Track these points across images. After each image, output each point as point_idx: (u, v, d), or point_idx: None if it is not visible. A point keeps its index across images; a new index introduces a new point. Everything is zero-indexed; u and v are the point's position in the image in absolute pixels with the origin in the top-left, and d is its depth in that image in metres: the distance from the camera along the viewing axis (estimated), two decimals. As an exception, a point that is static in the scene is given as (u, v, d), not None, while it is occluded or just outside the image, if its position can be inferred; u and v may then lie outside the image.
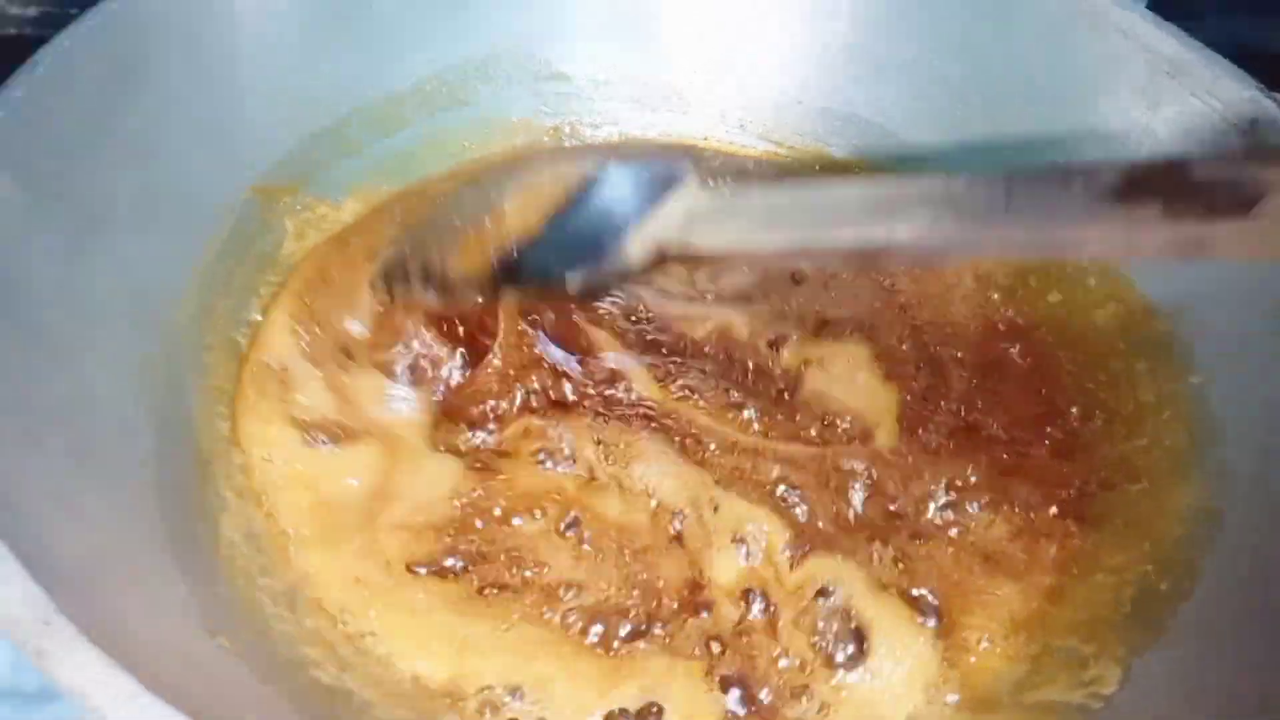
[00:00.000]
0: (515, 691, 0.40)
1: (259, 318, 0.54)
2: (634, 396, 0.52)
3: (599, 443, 0.49)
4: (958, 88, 0.64)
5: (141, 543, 0.38)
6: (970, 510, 0.48)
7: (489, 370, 0.52)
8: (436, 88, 0.64)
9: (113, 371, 0.44)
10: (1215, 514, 0.44)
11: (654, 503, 0.47)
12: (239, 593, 0.40)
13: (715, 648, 0.42)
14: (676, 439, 0.50)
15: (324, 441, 0.48)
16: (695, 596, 0.43)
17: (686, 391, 0.52)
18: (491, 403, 0.51)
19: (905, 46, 0.65)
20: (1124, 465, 0.50)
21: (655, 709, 0.40)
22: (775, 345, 0.55)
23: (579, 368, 0.53)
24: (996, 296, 0.60)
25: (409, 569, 0.43)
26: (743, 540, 0.46)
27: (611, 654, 0.41)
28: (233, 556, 0.42)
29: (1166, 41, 0.55)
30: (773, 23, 0.67)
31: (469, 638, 0.41)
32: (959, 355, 0.56)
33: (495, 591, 0.43)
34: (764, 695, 0.41)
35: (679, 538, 0.46)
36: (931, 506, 0.48)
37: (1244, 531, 0.42)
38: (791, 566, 0.44)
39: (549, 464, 0.48)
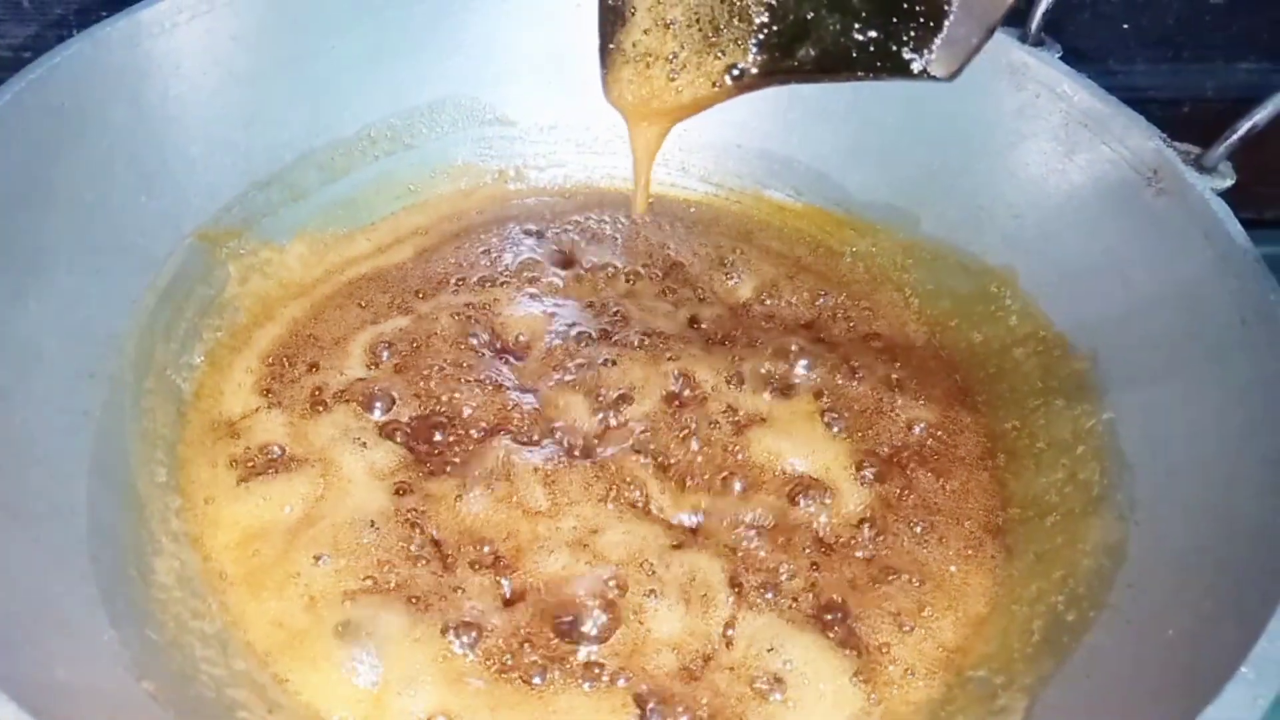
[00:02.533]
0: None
1: (201, 360, 0.55)
2: (582, 441, 0.53)
3: (545, 483, 0.50)
4: (889, 133, 0.66)
5: (71, 589, 0.39)
6: (895, 544, 0.50)
7: (442, 406, 0.54)
8: (381, 133, 0.66)
9: (48, 418, 0.45)
10: (1120, 547, 0.45)
11: (590, 550, 0.48)
12: (169, 636, 0.41)
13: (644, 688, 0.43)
14: (621, 490, 0.51)
15: (264, 477, 0.49)
16: (623, 639, 0.45)
17: (634, 443, 0.53)
18: (439, 436, 0.52)
19: (840, 94, 0.67)
20: (1039, 499, 0.52)
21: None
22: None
23: (533, 403, 0.54)
24: (923, 330, 0.62)
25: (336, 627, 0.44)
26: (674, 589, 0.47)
27: (536, 690, 0.42)
28: (165, 600, 0.42)
29: (1081, 93, 0.58)
30: (713, 69, 0.69)
31: (389, 682, 0.42)
32: (889, 388, 0.58)
33: (414, 634, 0.44)
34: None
35: (618, 586, 0.47)
36: (855, 538, 0.50)
37: (1145, 565, 0.44)
38: (713, 605, 0.46)
39: (489, 500, 0.49)
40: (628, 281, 0.64)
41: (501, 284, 0.62)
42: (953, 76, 0.41)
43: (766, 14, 0.42)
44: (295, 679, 0.42)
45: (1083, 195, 0.57)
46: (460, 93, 0.68)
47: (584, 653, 0.44)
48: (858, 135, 0.67)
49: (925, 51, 0.40)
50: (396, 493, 0.49)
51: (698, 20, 0.43)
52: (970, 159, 0.63)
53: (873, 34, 0.41)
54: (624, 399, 0.55)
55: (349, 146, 0.65)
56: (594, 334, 0.59)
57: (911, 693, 0.44)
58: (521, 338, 0.59)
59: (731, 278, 0.65)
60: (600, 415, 0.54)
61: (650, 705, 0.42)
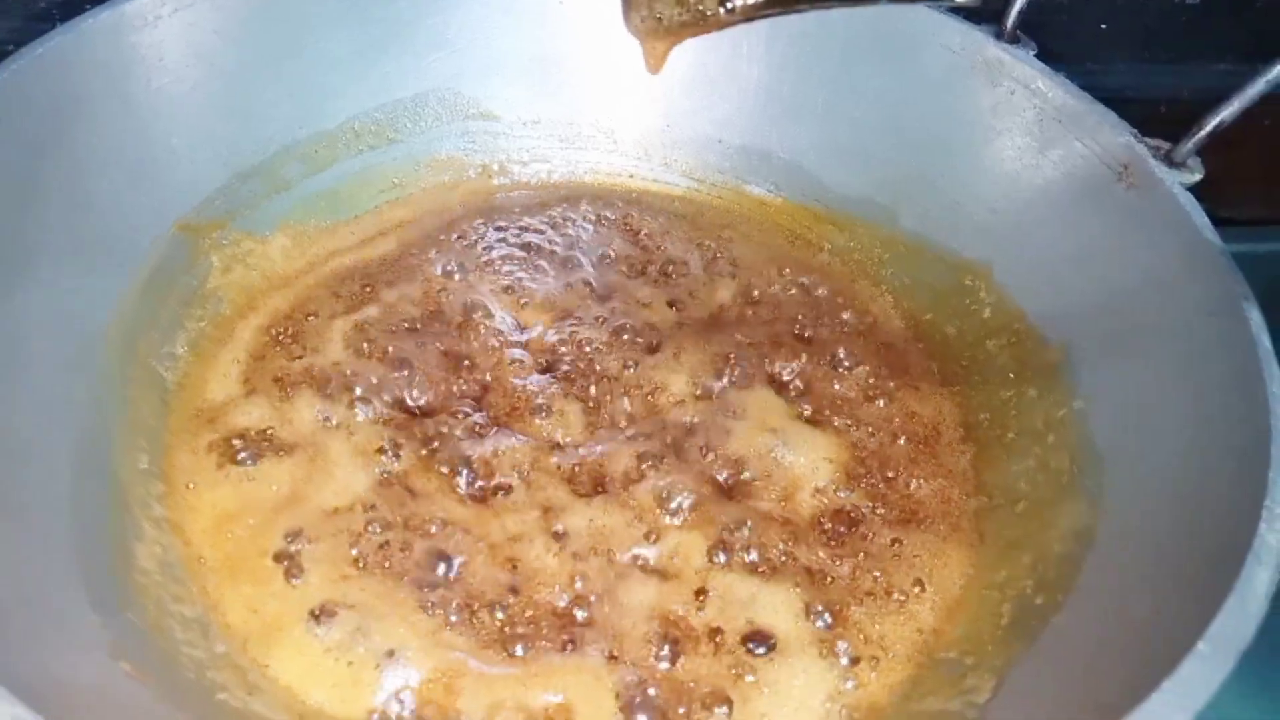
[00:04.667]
0: (422, 714, 0.41)
1: (184, 350, 0.55)
2: (566, 432, 0.54)
3: (526, 472, 0.51)
4: (867, 129, 0.67)
5: (53, 575, 0.39)
6: (871, 531, 0.51)
7: (424, 392, 0.54)
8: (365, 126, 0.66)
9: (32, 406, 0.45)
10: (1089, 532, 0.46)
11: (569, 531, 0.49)
12: (150, 621, 0.41)
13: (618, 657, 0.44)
14: (603, 473, 0.52)
15: (246, 462, 0.49)
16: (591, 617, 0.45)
17: (616, 431, 0.54)
18: (421, 422, 0.52)
19: (818, 91, 0.68)
20: (1011, 487, 0.52)
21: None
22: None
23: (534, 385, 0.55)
24: (900, 323, 0.63)
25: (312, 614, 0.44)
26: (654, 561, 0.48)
27: (518, 661, 0.43)
28: (146, 585, 0.43)
29: (1055, 90, 0.59)
30: (696, 68, 0.70)
31: (368, 661, 0.42)
32: (867, 380, 0.59)
33: (394, 613, 0.44)
34: (665, 704, 0.42)
35: (603, 560, 0.47)
36: (832, 524, 0.51)
37: (1113, 550, 0.45)
38: (707, 584, 0.46)
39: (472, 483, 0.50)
40: (610, 275, 0.64)
41: (484, 276, 0.63)
42: None
43: None
44: (274, 663, 0.42)
45: (1056, 190, 0.58)
46: (444, 87, 0.69)
47: (564, 624, 0.44)
48: (835, 131, 0.68)
49: None
50: (379, 477, 0.49)
51: None
52: (946, 155, 0.64)
53: None
54: (606, 389, 0.56)
55: (332, 139, 0.65)
56: (578, 326, 0.60)
57: (886, 674, 0.45)
58: (506, 329, 0.59)
59: (712, 271, 0.66)
60: (581, 404, 0.55)
61: (630, 680, 0.43)
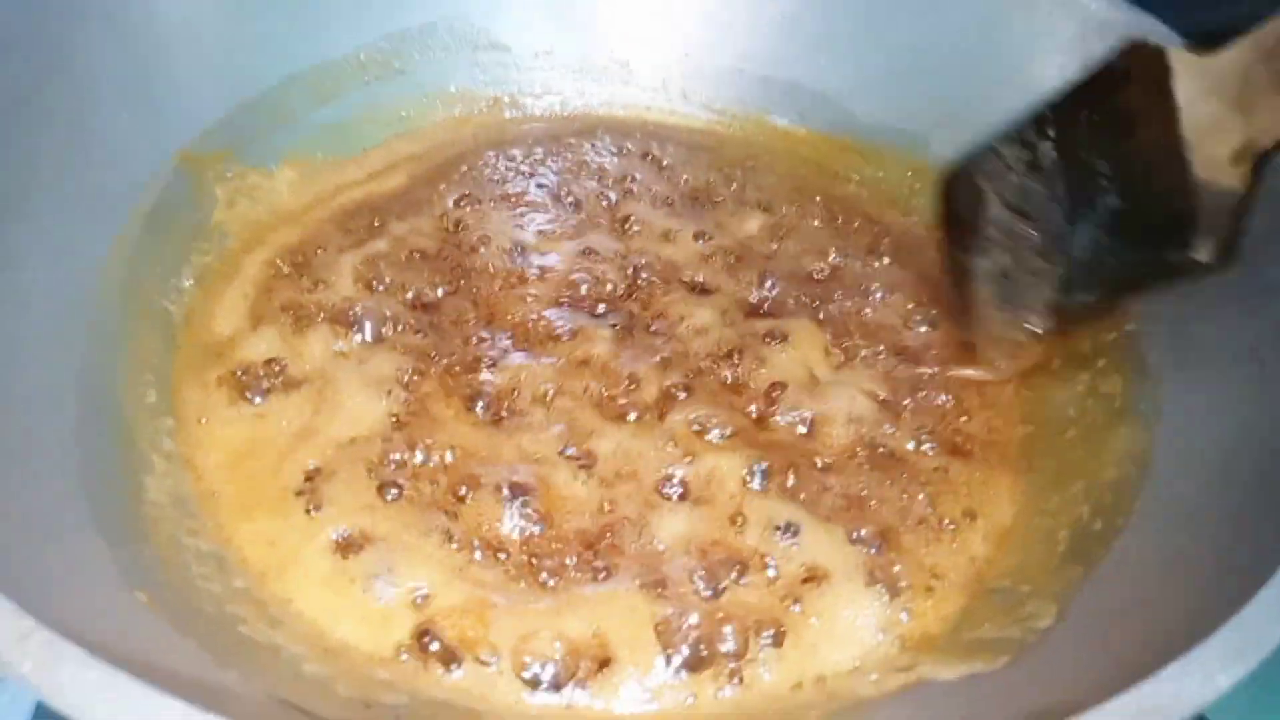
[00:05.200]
0: (451, 646, 0.39)
1: (190, 285, 0.53)
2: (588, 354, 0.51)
3: (550, 397, 0.48)
4: (896, 56, 0.64)
5: (59, 503, 0.37)
6: (914, 463, 0.49)
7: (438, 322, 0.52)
8: (371, 57, 0.64)
9: (30, 339, 0.43)
10: (1146, 456, 0.44)
11: (598, 458, 0.46)
12: (163, 553, 0.39)
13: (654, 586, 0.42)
14: (634, 400, 0.49)
15: (257, 396, 0.47)
16: (635, 546, 0.43)
17: (646, 359, 0.52)
18: (435, 352, 0.50)
19: (845, 17, 0.66)
20: (1058, 414, 0.50)
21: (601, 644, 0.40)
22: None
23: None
24: (933, 255, 0.61)
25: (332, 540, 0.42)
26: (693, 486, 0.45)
27: (549, 590, 0.41)
28: (158, 518, 0.41)
29: (1096, 1, 0.56)
30: (714, -5, 0.67)
31: (397, 595, 0.40)
32: (904, 310, 0.57)
33: (419, 545, 0.42)
34: (707, 635, 0.40)
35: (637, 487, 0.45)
36: (875, 456, 0.48)
37: (1171, 472, 0.43)
38: (745, 511, 0.44)
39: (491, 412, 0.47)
40: (634, 205, 0.62)
41: (498, 209, 0.60)
42: (1223, 259, 0.40)
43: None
44: (297, 598, 0.40)
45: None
46: (453, 16, 0.66)
47: (596, 552, 0.42)
48: (864, 58, 0.65)
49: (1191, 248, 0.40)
50: (395, 408, 0.47)
51: None
52: (981, 79, 0.61)
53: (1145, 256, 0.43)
54: (632, 319, 0.53)
55: (338, 70, 0.63)
56: (599, 258, 0.57)
57: (939, 604, 0.43)
58: (522, 262, 0.57)
59: (735, 206, 0.63)
60: (611, 330, 0.52)
61: (669, 612, 0.40)
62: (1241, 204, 0.39)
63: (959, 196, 0.51)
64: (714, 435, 0.48)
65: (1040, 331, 0.49)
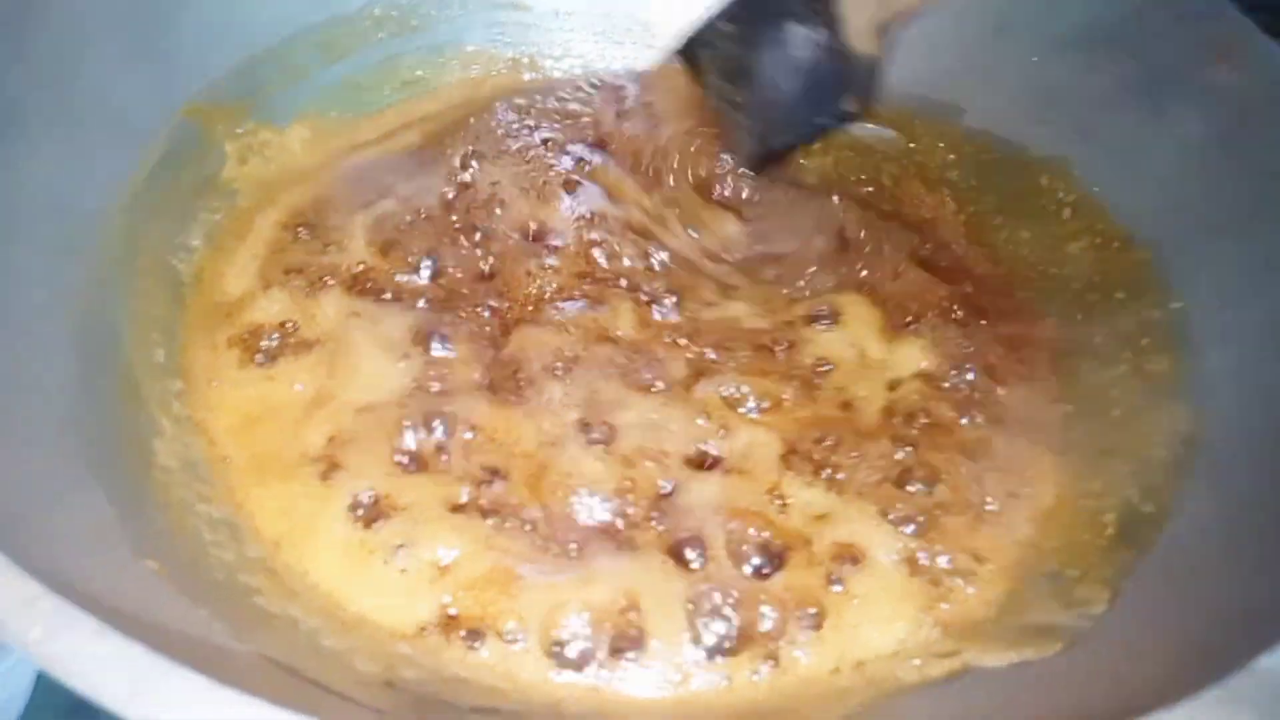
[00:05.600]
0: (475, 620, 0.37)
1: (199, 243, 0.51)
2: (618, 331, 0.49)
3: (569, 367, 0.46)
4: (932, 21, 0.62)
5: (62, 465, 0.35)
6: (949, 440, 0.47)
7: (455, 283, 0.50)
8: (386, 13, 0.61)
9: (28, 291, 0.40)
10: (1197, 436, 0.42)
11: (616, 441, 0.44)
12: (173, 520, 0.37)
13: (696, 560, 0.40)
14: (664, 368, 0.47)
15: (270, 359, 0.45)
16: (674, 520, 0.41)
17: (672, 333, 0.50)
18: (451, 315, 0.48)
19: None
20: (1100, 394, 0.48)
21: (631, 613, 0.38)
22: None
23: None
24: (963, 228, 0.59)
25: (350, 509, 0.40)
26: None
27: (574, 561, 0.39)
28: (167, 483, 0.39)
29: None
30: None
31: (418, 567, 0.38)
32: (931, 291, 0.55)
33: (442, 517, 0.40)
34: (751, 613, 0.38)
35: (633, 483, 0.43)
36: (911, 433, 0.46)
37: (1225, 452, 0.41)
38: (787, 489, 0.42)
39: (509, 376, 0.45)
40: (650, 172, 0.59)
41: (516, 171, 0.58)
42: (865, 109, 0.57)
43: None
44: (313, 569, 0.38)
45: (1147, 75, 0.53)
46: (471, -28, 0.63)
47: (623, 525, 0.40)
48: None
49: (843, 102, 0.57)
50: (411, 374, 0.45)
51: None
52: (1018, 43, 0.59)
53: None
54: (664, 285, 0.51)
55: (351, 26, 0.60)
56: (620, 228, 0.55)
57: (983, 587, 0.41)
58: (543, 225, 0.54)
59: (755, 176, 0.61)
60: (632, 301, 0.50)
61: (701, 589, 0.39)
62: (877, 66, 0.53)
63: (693, 63, 0.60)
64: (753, 404, 0.45)
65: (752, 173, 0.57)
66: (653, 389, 0.46)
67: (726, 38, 0.56)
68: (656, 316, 0.50)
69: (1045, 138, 0.57)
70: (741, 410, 0.45)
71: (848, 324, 0.50)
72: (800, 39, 0.53)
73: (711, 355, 0.48)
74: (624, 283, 0.52)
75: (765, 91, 0.55)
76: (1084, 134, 0.56)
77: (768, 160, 0.58)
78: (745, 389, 0.46)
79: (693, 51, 0.59)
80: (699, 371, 0.47)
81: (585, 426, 0.44)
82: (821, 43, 0.52)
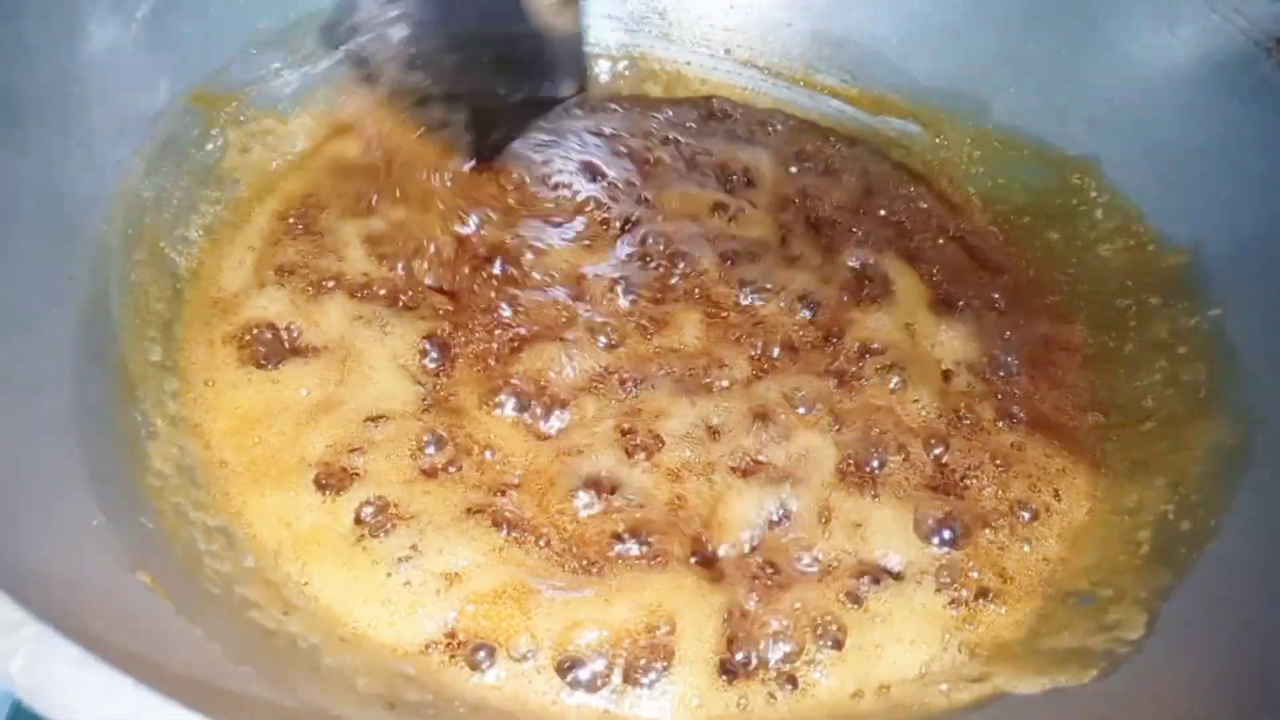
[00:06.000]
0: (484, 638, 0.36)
1: (199, 235, 0.49)
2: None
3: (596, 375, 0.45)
4: (958, 10, 0.60)
5: (54, 466, 0.33)
6: (973, 454, 0.45)
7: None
8: (396, -3, 0.59)
9: (27, 279, 0.39)
10: (1240, 450, 0.41)
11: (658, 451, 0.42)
12: (167, 527, 0.35)
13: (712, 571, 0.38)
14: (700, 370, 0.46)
15: (272, 360, 0.43)
16: (700, 537, 0.39)
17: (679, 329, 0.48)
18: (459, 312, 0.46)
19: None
20: (1132, 404, 0.47)
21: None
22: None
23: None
24: (990, 228, 0.57)
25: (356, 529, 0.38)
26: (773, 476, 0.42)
27: (596, 579, 0.37)
28: (161, 489, 0.37)
29: (1181, -47, 0.52)
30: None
31: (426, 582, 0.36)
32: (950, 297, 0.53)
33: (451, 529, 0.38)
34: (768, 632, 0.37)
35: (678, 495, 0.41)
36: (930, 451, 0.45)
37: (1269, 466, 0.39)
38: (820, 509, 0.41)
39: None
40: (653, 169, 0.57)
41: (530, 168, 0.56)
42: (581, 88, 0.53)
43: None
44: (314, 580, 0.36)
45: (1186, 72, 0.51)
46: (482, -45, 0.61)
47: (655, 536, 0.39)
48: (922, 13, 0.61)
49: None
50: (420, 383, 0.43)
51: None
52: (1049, 36, 0.57)
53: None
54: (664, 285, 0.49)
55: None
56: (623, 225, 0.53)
57: (1012, 608, 0.39)
58: (560, 227, 0.53)
59: (775, 172, 0.59)
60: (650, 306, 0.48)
61: (727, 600, 0.37)
62: (578, 41, 0.51)
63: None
64: (800, 408, 0.44)
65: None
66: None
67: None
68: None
69: (1076, 135, 0.55)
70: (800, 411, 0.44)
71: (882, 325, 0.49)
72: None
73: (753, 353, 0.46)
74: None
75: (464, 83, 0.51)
76: (1117, 132, 0.54)
77: (487, 151, 0.54)
78: (797, 391, 0.44)
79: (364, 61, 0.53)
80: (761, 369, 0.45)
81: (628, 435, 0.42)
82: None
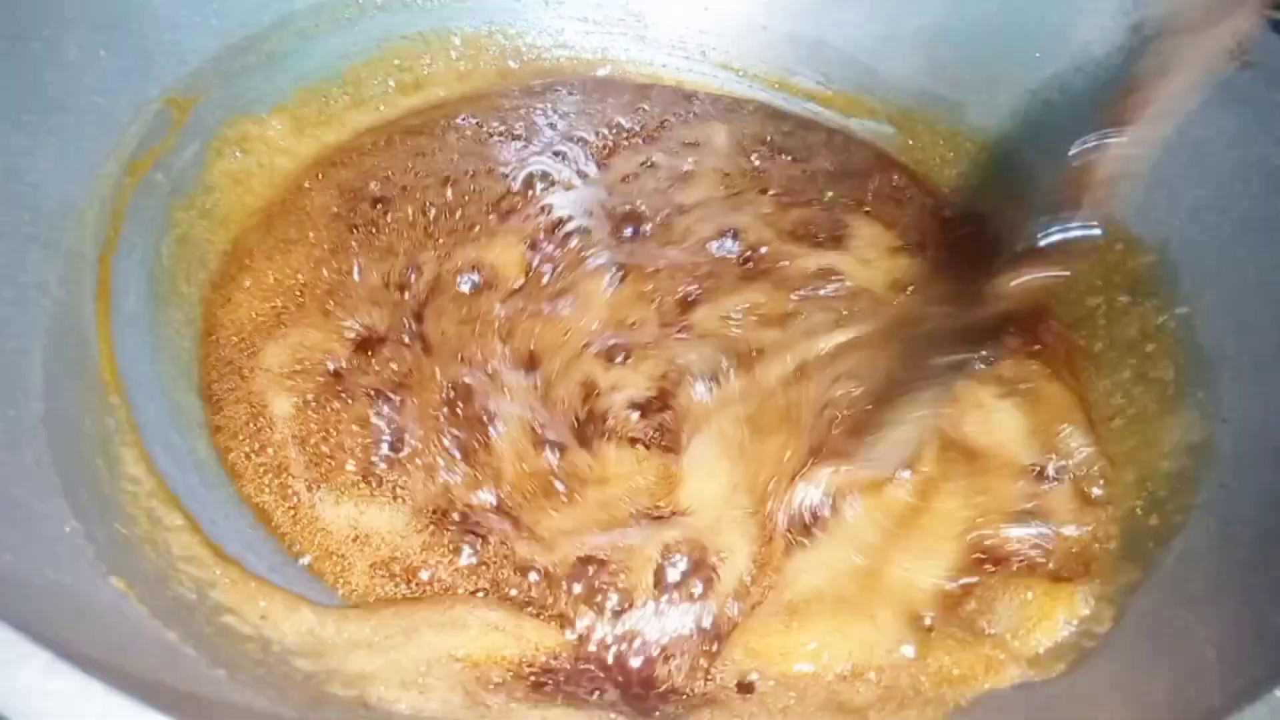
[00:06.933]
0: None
1: (172, 241, 0.49)
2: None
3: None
4: (931, 13, 0.60)
5: (24, 472, 0.33)
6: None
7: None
8: (370, 0, 0.59)
9: (-2, 285, 0.39)
10: (1207, 446, 0.41)
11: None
12: (141, 532, 0.35)
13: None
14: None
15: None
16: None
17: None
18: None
19: (878, -30, 0.62)
20: (1101, 402, 0.47)
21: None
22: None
23: None
24: (967, 229, 0.57)
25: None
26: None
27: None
28: (136, 494, 0.37)
29: (1151, -49, 0.53)
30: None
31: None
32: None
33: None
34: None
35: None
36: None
37: (1239, 464, 0.40)
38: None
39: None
40: (642, 174, 0.58)
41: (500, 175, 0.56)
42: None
43: None
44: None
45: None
46: (458, -42, 0.61)
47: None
48: (896, 16, 0.61)
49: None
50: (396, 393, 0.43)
51: None
52: (1022, 40, 0.57)
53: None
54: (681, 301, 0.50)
55: (333, 14, 0.58)
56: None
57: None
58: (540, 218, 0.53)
59: (748, 175, 0.59)
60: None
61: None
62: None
63: None
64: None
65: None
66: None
67: None
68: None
69: (1046, 135, 0.56)
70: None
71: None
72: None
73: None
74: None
75: None
76: (1088, 133, 0.54)
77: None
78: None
79: None
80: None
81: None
82: None
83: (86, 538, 0.32)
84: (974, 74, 0.59)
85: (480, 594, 0.37)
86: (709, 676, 0.36)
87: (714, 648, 0.37)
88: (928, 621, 0.39)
